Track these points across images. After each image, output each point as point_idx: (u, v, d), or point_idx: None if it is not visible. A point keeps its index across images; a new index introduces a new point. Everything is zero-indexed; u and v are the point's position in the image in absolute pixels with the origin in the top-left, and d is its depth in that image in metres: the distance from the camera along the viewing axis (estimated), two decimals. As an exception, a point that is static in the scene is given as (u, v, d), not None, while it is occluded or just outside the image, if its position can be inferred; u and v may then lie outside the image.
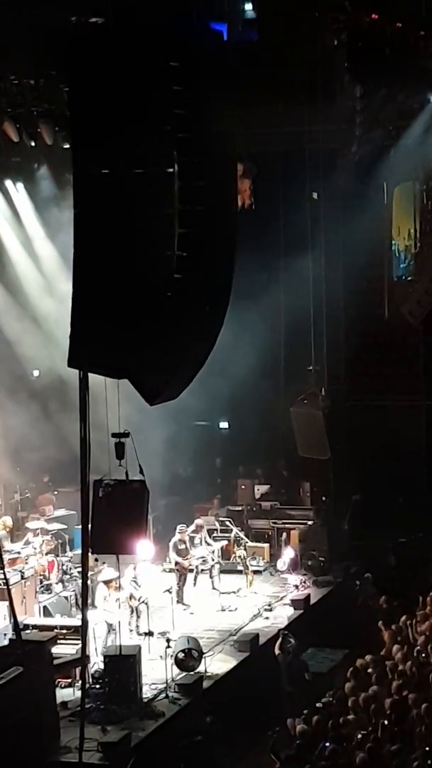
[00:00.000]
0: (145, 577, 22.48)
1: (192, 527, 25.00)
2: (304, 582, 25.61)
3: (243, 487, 29.37)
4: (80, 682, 18.12)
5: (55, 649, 19.30)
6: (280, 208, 28.66)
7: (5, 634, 19.92)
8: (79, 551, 22.47)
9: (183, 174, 13.58)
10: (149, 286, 13.82)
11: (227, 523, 25.99)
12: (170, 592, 22.60)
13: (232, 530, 25.64)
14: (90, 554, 18.49)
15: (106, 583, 21.11)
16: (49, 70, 21.03)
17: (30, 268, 28.25)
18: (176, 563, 23.99)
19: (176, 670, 20.07)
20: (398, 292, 29.54)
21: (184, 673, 20.13)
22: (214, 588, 24.61)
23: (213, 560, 24.78)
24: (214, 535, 25.66)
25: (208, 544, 24.91)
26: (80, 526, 19.12)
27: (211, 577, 24.68)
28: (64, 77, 16.54)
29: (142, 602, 21.65)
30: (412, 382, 30.22)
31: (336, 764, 15.51)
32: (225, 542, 25.53)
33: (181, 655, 20.16)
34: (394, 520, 27.43)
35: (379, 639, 21.01)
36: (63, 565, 24.07)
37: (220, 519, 26.46)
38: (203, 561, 24.64)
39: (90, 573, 21.24)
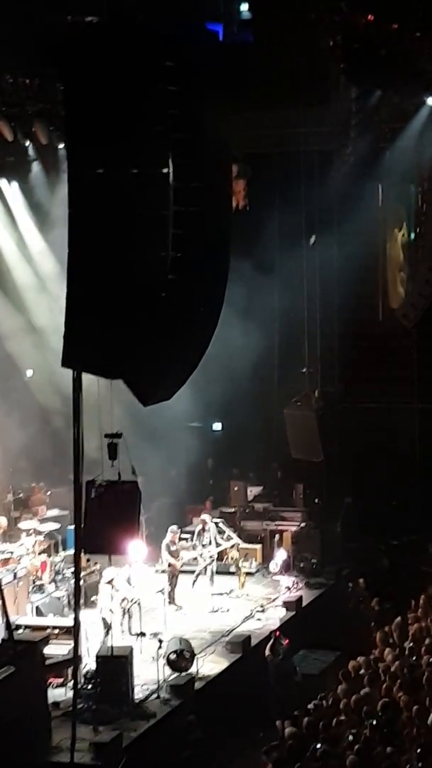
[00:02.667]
0: (137, 577, 22.46)
1: (198, 526, 24.93)
2: (297, 584, 25.57)
3: (236, 488, 29.33)
4: (72, 682, 18.09)
5: (47, 650, 19.27)
6: (275, 210, 28.66)
7: (-3, 634, 19.91)
8: (71, 551, 22.45)
9: (178, 175, 13.59)
10: (143, 287, 13.83)
11: (220, 524, 25.94)
12: (162, 593, 22.58)
13: (224, 531, 25.59)
14: (82, 554, 18.53)
15: (109, 582, 21.11)
16: (44, 70, 21.04)
17: (23, 268, 28.20)
18: (168, 564, 23.94)
19: (168, 671, 20.05)
20: (393, 294, 29.58)
21: (176, 674, 20.11)
22: (211, 589, 24.52)
23: (211, 560, 24.65)
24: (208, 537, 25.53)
25: (218, 545, 24.78)
26: (73, 527, 19.16)
27: (211, 579, 24.53)
28: (60, 76, 16.54)
29: (135, 603, 21.63)
30: (405, 384, 30.20)
31: (327, 766, 15.49)
32: (233, 542, 25.35)
33: (173, 656, 20.14)
34: (386, 522, 27.44)
35: (371, 641, 21.01)
36: (55, 565, 24.06)
37: (214, 520, 26.41)
38: (210, 558, 24.52)
39: (82, 573, 21.24)
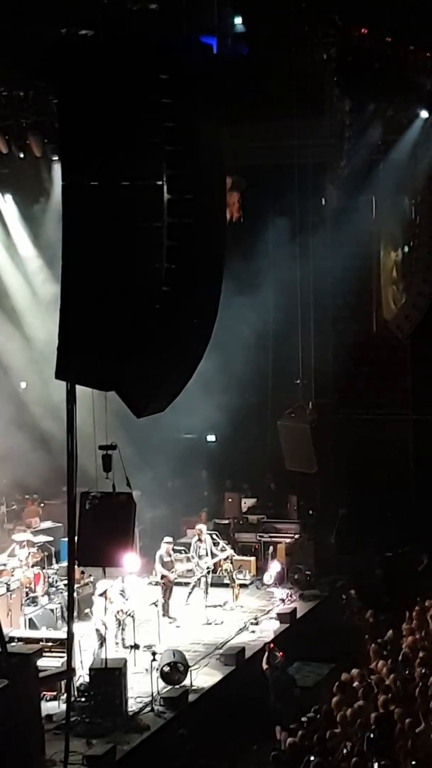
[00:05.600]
0: (131, 590, 22.43)
1: (194, 537, 24.92)
2: (291, 596, 25.56)
3: (230, 500, 29.33)
4: (66, 695, 18.07)
5: (41, 662, 19.26)
6: (269, 222, 28.69)
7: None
8: (65, 564, 22.41)
9: (172, 187, 13.62)
10: (137, 299, 13.85)
11: (214, 536, 25.93)
12: (156, 605, 22.56)
13: (218, 543, 25.58)
14: (76, 567, 18.50)
15: (102, 594, 21.10)
16: (38, 82, 21.05)
17: (17, 279, 28.23)
18: (162, 576, 23.91)
19: (162, 684, 20.02)
20: (386, 306, 29.62)
21: (170, 687, 20.07)
22: (206, 601, 24.51)
23: (205, 572, 24.62)
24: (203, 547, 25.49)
25: (214, 555, 24.76)
26: (67, 539, 19.13)
27: (206, 591, 24.52)
28: (54, 89, 16.56)
29: (129, 615, 21.61)
30: (399, 395, 30.25)
31: (321, 778, 15.48)
32: (229, 553, 25.31)
33: (166, 669, 20.11)
34: (380, 533, 27.43)
35: (365, 653, 20.98)
36: (49, 577, 24.02)
37: (208, 532, 26.38)
38: (208, 570, 24.50)
39: (76, 586, 21.21)
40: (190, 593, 24.53)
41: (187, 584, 24.64)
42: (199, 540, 24.70)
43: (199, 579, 24.47)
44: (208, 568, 24.49)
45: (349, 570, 26.72)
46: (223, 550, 25.19)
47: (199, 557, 24.54)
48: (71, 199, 14.03)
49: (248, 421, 29.35)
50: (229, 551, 25.35)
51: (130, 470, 16.76)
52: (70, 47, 14.82)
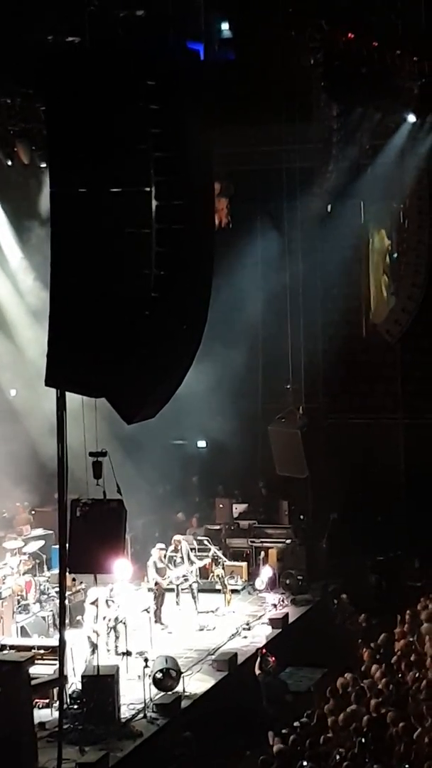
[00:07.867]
0: (122, 596, 22.41)
1: (171, 546, 24.92)
2: (283, 601, 25.55)
3: (221, 506, 29.32)
4: (58, 702, 18.03)
5: (33, 670, 19.17)
6: (257, 227, 28.69)
7: (-18, 655, 19.82)
8: (56, 571, 22.40)
9: (160, 193, 13.65)
10: (126, 305, 13.87)
11: (205, 542, 25.92)
12: (148, 612, 22.53)
13: (210, 549, 25.57)
14: (67, 574, 18.48)
15: (94, 602, 21.07)
16: (25, 89, 21.02)
17: (6, 287, 28.19)
18: (155, 583, 23.89)
19: (154, 690, 19.99)
20: (376, 310, 29.64)
21: (162, 693, 20.05)
22: (196, 607, 24.52)
23: (194, 578, 24.66)
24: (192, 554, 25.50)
25: (192, 562, 24.79)
26: (58, 546, 19.12)
27: (193, 597, 24.56)
28: (41, 96, 16.57)
29: (120, 622, 21.58)
30: (389, 400, 30.29)
31: (315, 784, 15.47)
32: (208, 560, 25.36)
33: (159, 675, 20.09)
34: (372, 538, 27.43)
35: (358, 657, 20.98)
36: (40, 585, 23.97)
37: (198, 538, 26.38)
38: (185, 579, 24.53)
39: (68, 593, 21.18)
40: (177, 600, 24.56)
41: (183, 590, 24.64)
42: (176, 549, 24.72)
43: (177, 586, 24.47)
44: (184, 576, 24.49)
45: (341, 574, 26.73)
46: (200, 558, 25.17)
47: (175, 566, 24.54)
48: (59, 206, 14.05)
49: (239, 427, 29.32)
50: (206, 560, 25.31)
51: (120, 477, 16.74)
52: (57, 54, 14.83)
